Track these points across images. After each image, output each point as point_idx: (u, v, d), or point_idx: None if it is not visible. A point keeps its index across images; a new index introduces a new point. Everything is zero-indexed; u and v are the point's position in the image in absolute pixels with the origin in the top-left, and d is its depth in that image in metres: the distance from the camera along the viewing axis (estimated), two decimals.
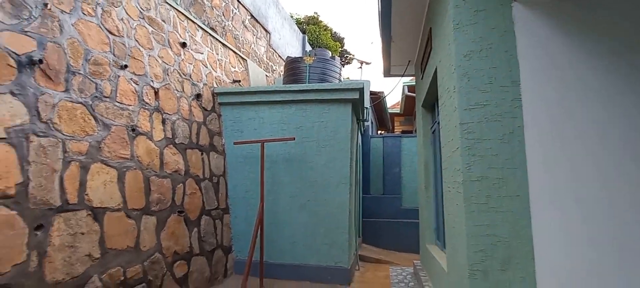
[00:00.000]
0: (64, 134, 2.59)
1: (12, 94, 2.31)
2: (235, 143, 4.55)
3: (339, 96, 4.53)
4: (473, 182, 2.01)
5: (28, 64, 2.45)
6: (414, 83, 5.57)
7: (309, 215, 4.43)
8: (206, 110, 4.60)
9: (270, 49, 7.99)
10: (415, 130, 6.54)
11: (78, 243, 2.55)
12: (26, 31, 2.48)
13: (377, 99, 8.73)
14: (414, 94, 7.51)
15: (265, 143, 4.25)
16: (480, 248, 1.94)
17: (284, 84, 5.91)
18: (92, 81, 2.94)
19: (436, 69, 2.93)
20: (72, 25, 2.85)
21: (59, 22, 2.73)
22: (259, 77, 6.67)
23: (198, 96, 4.45)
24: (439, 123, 3.08)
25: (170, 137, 3.78)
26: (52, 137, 2.51)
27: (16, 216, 2.20)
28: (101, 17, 3.16)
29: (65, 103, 2.66)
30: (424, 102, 4.02)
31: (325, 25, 14.19)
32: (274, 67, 8.14)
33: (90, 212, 2.68)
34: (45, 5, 2.66)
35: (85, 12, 3.01)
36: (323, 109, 4.59)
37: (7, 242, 2.12)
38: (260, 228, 4.02)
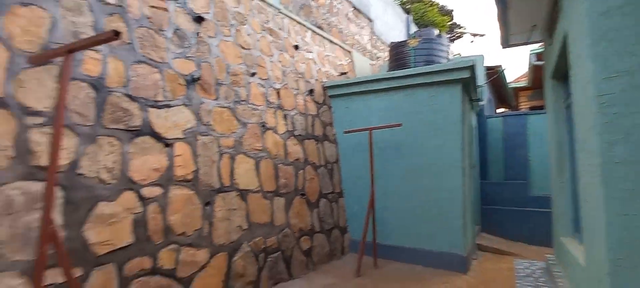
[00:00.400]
0: (217, 133, 3.34)
1: (185, 105, 3.11)
2: (345, 132, 4.88)
3: (446, 77, 4.32)
4: (616, 164, 1.73)
5: (191, 81, 3.24)
6: (543, 50, 4.81)
7: (419, 199, 4.43)
8: (318, 103, 5.06)
9: (374, 37, 8.05)
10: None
11: (232, 216, 3.28)
12: (188, 56, 3.28)
13: (494, 74, 7.80)
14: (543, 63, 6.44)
15: (372, 130, 4.43)
16: (624, 240, 1.68)
17: (389, 70, 5.95)
18: (233, 89, 3.66)
19: (566, 32, 2.54)
20: (217, 46, 3.60)
21: (208, 45, 3.50)
22: (364, 66, 6.85)
23: (311, 91, 4.94)
24: (572, 95, 2.67)
25: (291, 130, 4.35)
26: (211, 135, 3.27)
27: (193, 195, 2.99)
28: (235, 35, 3.87)
29: (217, 108, 3.40)
30: (554, 73, 3.48)
31: (431, 1, 13.26)
32: (379, 54, 8.18)
33: (238, 193, 3.40)
34: (198, 34, 3.44)
35: (224, 34, 3.74)
36: (430, 92, 4.47)
37: (190, 213, 2.91)
38: (372, 211, 4.26)
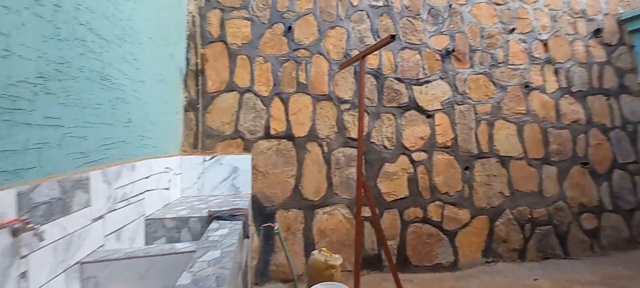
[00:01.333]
0: (473, 100, 3.42)
1: (441, 78, 3.40)
2: None
3: None
4: None
5: (446, 54, 3.47)
6: None
7: None
8: (610, 45, 3.87)
9: None
10: None
11: (492, 182, 3.32)
12: (442, 31, 3.50)
13: None
14: None
15: None
16: None
17: None
18: (488, 53, 3.55)
19: None
20: (469, 13, 3.60)
21: (460, 15, 3.56)
22: None
23: (596, 32, 3.85)
24: None
25: (565, 86, 3.65)
26: (467, 103, 3.40)
27: (453, 160, 3.29)
28: None
29: (472, 76, 3.46)
30: None
31: None
32: None
33: (498, 159, 3.36)
34: (450, 6, 3.57)
35: None
36: None
37: (451, 176, 3.25)
38: None
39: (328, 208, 2.95)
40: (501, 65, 3.55)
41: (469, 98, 3.42)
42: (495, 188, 3.32)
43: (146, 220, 1.85)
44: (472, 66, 3.49)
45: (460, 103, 3.39)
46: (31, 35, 1.04)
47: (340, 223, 2.96)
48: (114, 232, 1.47)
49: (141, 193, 1.80)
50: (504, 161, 3.37)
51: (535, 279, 2.85)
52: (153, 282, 1.29)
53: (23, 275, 0.96)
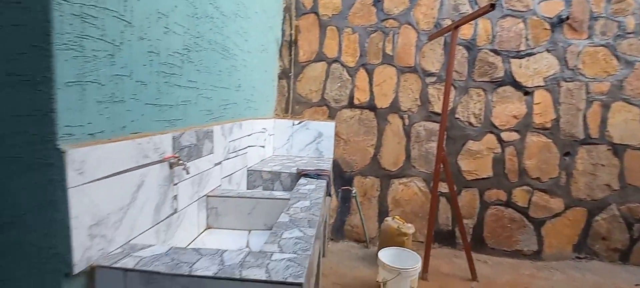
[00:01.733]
0: (587, 77, 2.99)
1: (547, 50, 3.03)
2: None
3: None
4: None
5: (557, 23, 3.04)
6: None
7: None
8: None
9: None
10: None
11: (598, 172, 2.94)
12: None
13: None
14: None
15: None
16: None
17: None
18: (614, 20, 3.01)
19: None
20: None
21: None
22: None
23: None
24: None
25: None
26: (577, 81, 2.99)
27: (551, 143, 2.99)
28: None
29: (588, 49, 3.00)
30: None
31: None
32: None
33: (610, 147, 2.94)
34: None
35: None
36: None
37: (546, 161, 2.97)
38: None
39: (404, 180, 3.02)
40: (631, 36, 2.98)
41: (581, 74, 2.99)
42: (601, 179, 2.94)
43: (248, 170, 2.21)
44: (590, 37, 3.01)
45: (568, 80, 3.00)
46: (180, 15, 1.33)
47: (416, 195, 3.01)
48: (227, 176, 1.83)
49: (245, 148, 2.14)
50: (618, 150, 2.93)
51: (637, 285, 2.53)
52: (257, 218, 1.59)
53: (175, 197, 1.31)
